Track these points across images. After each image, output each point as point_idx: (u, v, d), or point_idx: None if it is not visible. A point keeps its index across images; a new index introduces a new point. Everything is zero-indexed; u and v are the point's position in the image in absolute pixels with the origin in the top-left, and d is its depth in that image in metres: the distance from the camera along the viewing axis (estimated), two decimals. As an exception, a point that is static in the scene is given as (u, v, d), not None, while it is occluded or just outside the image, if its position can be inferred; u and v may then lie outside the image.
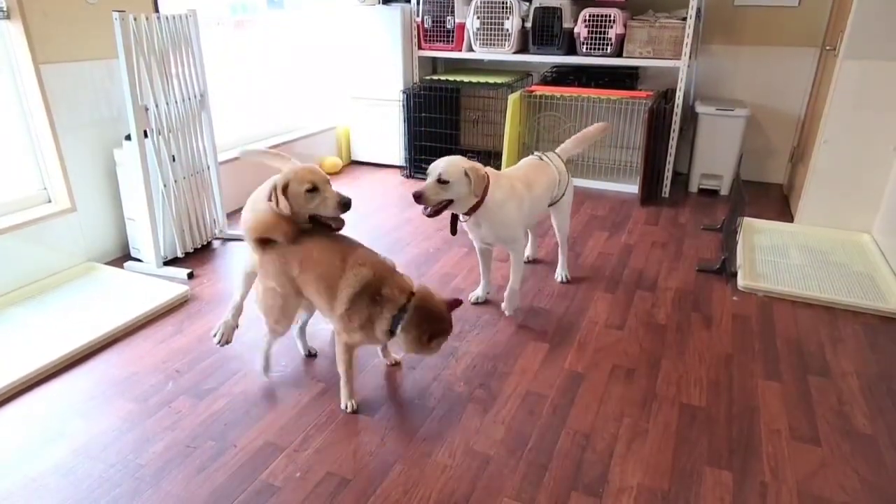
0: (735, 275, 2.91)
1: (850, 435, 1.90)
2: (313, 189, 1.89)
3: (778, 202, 4.07)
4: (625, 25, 3.99)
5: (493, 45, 4.38)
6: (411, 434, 1.90)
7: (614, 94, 4.15)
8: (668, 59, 3.93)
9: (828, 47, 3.68)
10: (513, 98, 4.25)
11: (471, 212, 2.33)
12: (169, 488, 1.68)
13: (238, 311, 2.30)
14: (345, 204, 1.91)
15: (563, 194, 2.75)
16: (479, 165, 2.28)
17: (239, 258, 3.18)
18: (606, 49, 4.06)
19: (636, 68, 4.37)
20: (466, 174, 2.20)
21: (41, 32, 2.66)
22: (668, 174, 4.15)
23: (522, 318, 2.59)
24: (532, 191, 2.51)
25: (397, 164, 4.81)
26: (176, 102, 2.98)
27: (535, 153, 2.74)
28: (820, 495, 1.67)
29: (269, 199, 1.93)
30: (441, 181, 2.18)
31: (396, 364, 2.27)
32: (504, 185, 2.38)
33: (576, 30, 4.09)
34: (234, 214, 3.78)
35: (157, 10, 3.18)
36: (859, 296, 2.73)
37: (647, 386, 2.13)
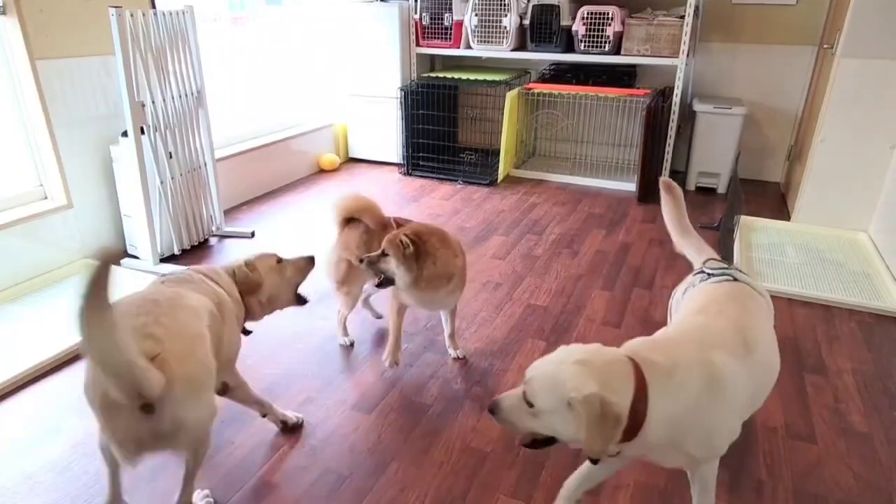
0: (732, 273, 2.91)
1: (845, 433, 1.91)
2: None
3: (775, 200, 4.08)
4: (623, 23, 3.99)
5: (491, 42, 4.38)
6: (408, 431, 1.90)
7: (612, 92, 4.15)
8: (665, 57, 3.93)
9: (825, 45, 3.68)
10: (511, 95, 4.24)
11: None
12: (165, 486, 1.68)
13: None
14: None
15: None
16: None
17: (234, 254, 3.17)
18: (604, 47, 4.05)
19: (634, 66, 4.37)
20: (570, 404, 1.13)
21: (37, 28, 2.65)
22: (666, 172, 4.15)
23: (520, 316, 2.59)
24: (753, 354, 1.31)
25: (395, 161, 4.80)
26: (173, 99, 2.97)
27: (727, 269, 1.55)
28: (816, 493, 1.67)
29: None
30: (528, 402, 1.20)
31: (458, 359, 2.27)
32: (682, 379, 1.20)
33: (574, 27, 4.09)
34: (231, 211, 3.78)
35: (153, 7, 3.16)
36: (856, 294, 2.74)
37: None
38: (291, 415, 1.93)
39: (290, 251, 3.27)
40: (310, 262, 1.95)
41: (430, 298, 2.02)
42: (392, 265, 1.92)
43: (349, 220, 2.26)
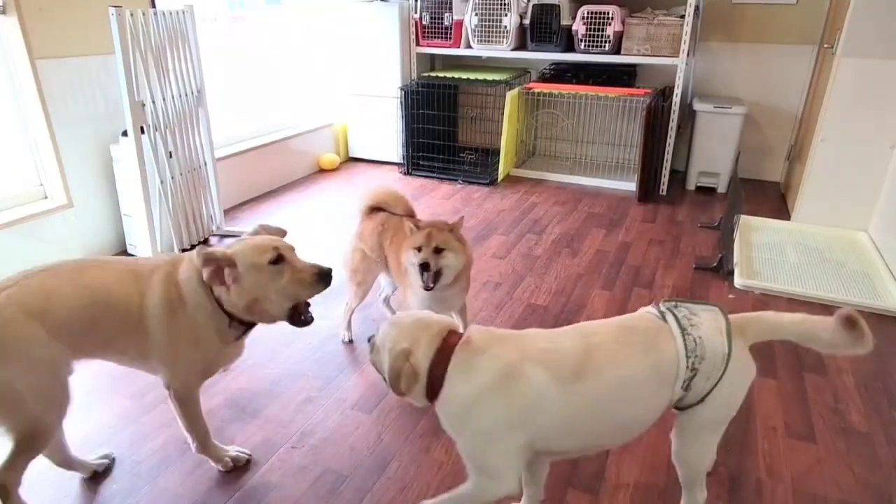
0: (732, 272, 2.92)
1: (845, 432, 1.91)
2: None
3: (775, 200, 4.08)
4: (623, 23, 3.99)
5: (492, 41, 4.37)
6: (408, 430, 1.91)
7: (612, 92, 4.14)
8: (666, 56, 3.93)
9: (826, 45, 3.68)
10: (511, 95, 4.24)
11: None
12: (166, 484, 1.68)
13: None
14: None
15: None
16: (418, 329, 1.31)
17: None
18: (605, 46, 4.05)
19: (634, 66, 4.37)
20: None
21: (37, 27, 2.65)
22: (666, 172, 4.15)
23: (520, 316, 2.59)
24: (580, 383, 1.25)
25: (395, 161, 4.80)
26: (173, 98, 2.97)
27: (671, 307, 1.34)
28: (815, 493, 1.68)
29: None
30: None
31: None
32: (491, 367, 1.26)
33: (574, 27, 4.09)
34: (231, 211, 3.78)
35: (153, 6, 3.16)
36: (855, 294, 2.74)
37: (643, 383, 2.14)
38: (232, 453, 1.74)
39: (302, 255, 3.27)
40: (319, 279, 1.52)
41: (447, 294, 2.02)
42: (450, 258, 1.91)
43: (371, 211, 2.27)
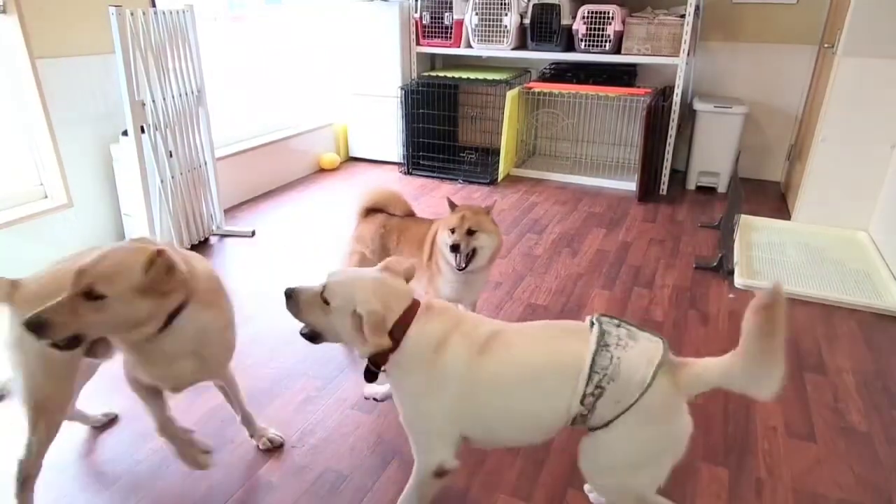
0: (732, 272, 2.92)
1: (845, 432, 1.91)
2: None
3: (775, 200, 4.08)
4: (623, 22, 3.99)
5: (492, 41, 4.37)
6: (408, 430, 1.91)
7: (612, 91, 4.14)
8: (666, 56, 3.92)
9: (826, 45, 3.68)
10: (511, 95, 4.24)
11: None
12: (166, 484, 1.68)
13: None
14: None
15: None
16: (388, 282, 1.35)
17: (234, 253, 3.18)
18: (605, 46, 4.05)
19: (634, 65, 4.37)
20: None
21: (37, 27, 2.65)
22: (666, 171, 4.15)
23: (520, 315, 2.59)
24: (483, 356, 1.29)
25: (395, 160, 4.80)
26: (173, 98, 2.97)
27: (604, 321, 1.31)
28: (815, 492, 1.68)
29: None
30: (324, 300, 1.35)
31: None
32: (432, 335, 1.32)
33: (574, 26, 4.09)
34: (231, 210, 3.78)
35: (153, 5, 3.16)
36: (855, 293, 2.74)
37: (643, 383, 2.14)
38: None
39: (292, 251, 3.27)
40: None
41: (476, 279, 2.09)
42: (483, 239, 1.95)
43: (368, 213, 2.28)
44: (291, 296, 1.37)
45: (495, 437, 1.37)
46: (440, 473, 1.35)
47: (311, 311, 1.35)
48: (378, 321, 1.25)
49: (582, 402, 1.20)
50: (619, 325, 1.28)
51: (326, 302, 1.32)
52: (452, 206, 2.04)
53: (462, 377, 1.28)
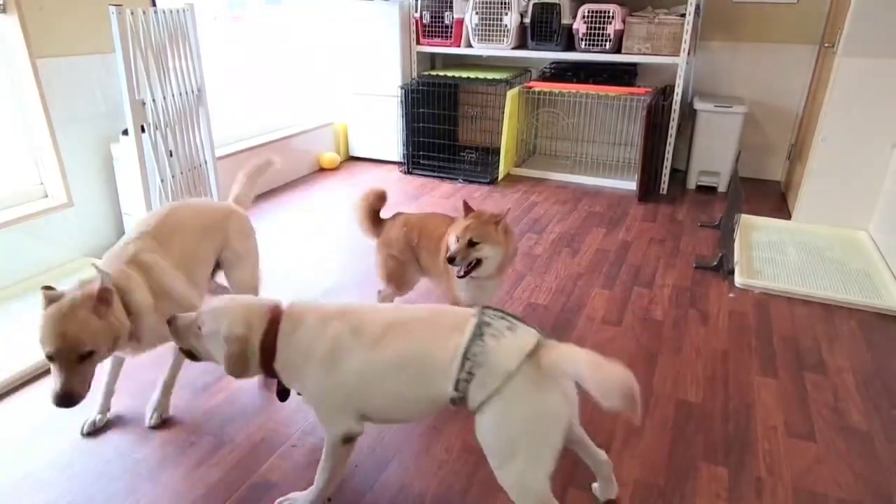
0: (732, 272, 2.92)
1: (845, 431, 1.91)
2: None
3: (775, 199, 4.08)
4: (623, 21, 3.99)
5: (492, 40, 4.37)
6: (408, 430, 1.91)
7: (613, 91, 4.14)
8: (666, 55, 3.92)
9: (826, 44, 3.68)
10: (511, 94, 4.24)
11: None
12: (166, 483, 1.68)
13: None
14: None
15: None
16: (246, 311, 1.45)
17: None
18: (605, 45, 4.05)
19: (635, 65, 4.37)
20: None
21: (37, 26, 2.65)
22: (666, 171, 4.15)
23: (520, 315, 2.59)
24: (372, 346, 1.39)
25: (395, 160, 4.80)
26: (173, 97, 2.97)
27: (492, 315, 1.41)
28: (815, 491, 1.68)
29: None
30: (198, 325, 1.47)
31: None
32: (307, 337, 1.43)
33: (574, 26, 4.09)
34: (231, 210, 3.78)
35: (153, 5, 3.16)
36: (856, 293, 2.74)
37: (643, 382, 2.14)
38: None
39: (291, 251, 3.27)
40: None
41: (488, 284, 2.09)
42: (485, 250, 1.94)
43: (375, 217, 2.31)
44: (171, 323, 1.50)
45: (387, 416, 1.49)
46: (348, 439, 1.49)
47: (187, 336, 1.49)
48: (237, 350, 1.40)
49: (456, 388, 1.31)
50: (501, 318, 1.37)
51: (199, 328, 1.46)
52: (467, 210, 2.01)
53: (351, 356, 1.39)
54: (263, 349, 1.42)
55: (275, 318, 1.43)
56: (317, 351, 1.39)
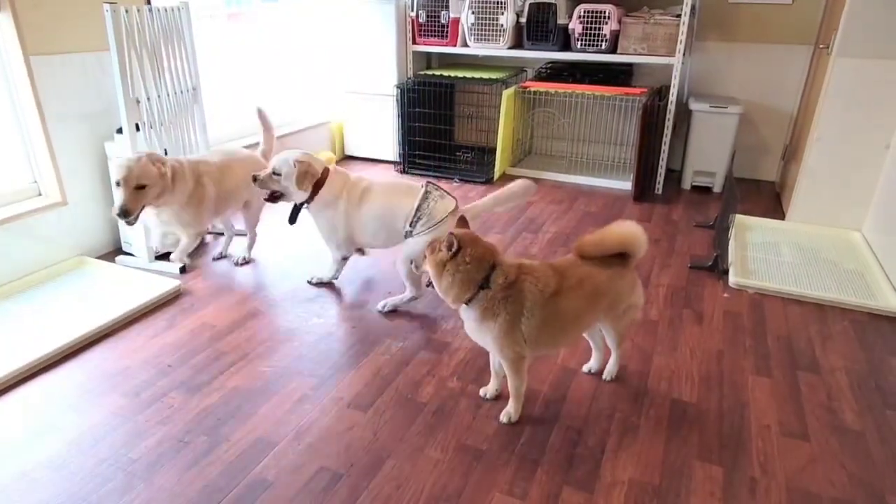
0: (727, 271, 2.93)
1: (838, 430, 1.92)
2: None
3: (770, 199, 4.10)
4: (619, 22, 3.99)
5: (488, 40, 4.37)
6: (404, 429, 1.91)
7: (608, 91, 4.15)
8: (662, 55, 3.93)
9: (821, 45, 3.70)
10: (507, 94, 4.24)
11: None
12: (161, 483, 1.68)
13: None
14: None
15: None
16: (312, 160, 2.53)
17: (230, 251, 3.17)
18: (601, 45, 4.06)
19: (630, 65, 4.38)
20: (293, 165, 2.49)
21: (31, 23, 2.64)
22: (662, 171, 4.16)
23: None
24: (363, 207, 2.55)
25: (391, 159, 4.79)
26: (168, 95, 2.96)
27: (430, 184, 2.49)
28: (808, 490, 1.69)
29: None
30: (275, 173, 2.52)
31: None
32: (335, 189, 2.56)
33: (570, 26, 4.09)
34: (226, 209, 3.76)
35: (148, 3, 3.15)
36: (849, 293, 2.75)
37: (638, 381, 2.14)
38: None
39: (287, 249, 3.26)
40: None
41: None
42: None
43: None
44: (255, 179, 2.59)
45: (370, 241, 2.62)
46: (345, 258, 2.75)
47: (268, 183, 2.55)
48: (304, 170, 2.48)
49: (411, 225, 2.41)
50: (437, 190, 2.46)
51: (276, 174, 2.52)
52: (461, 223, 1.91)
53: (348, 213, 2.56)
54: (316, 185, 2.52)
55: (325, 172, 2.54)
56: (335, 202, 2.55)
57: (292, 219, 2.63)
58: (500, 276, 1.74)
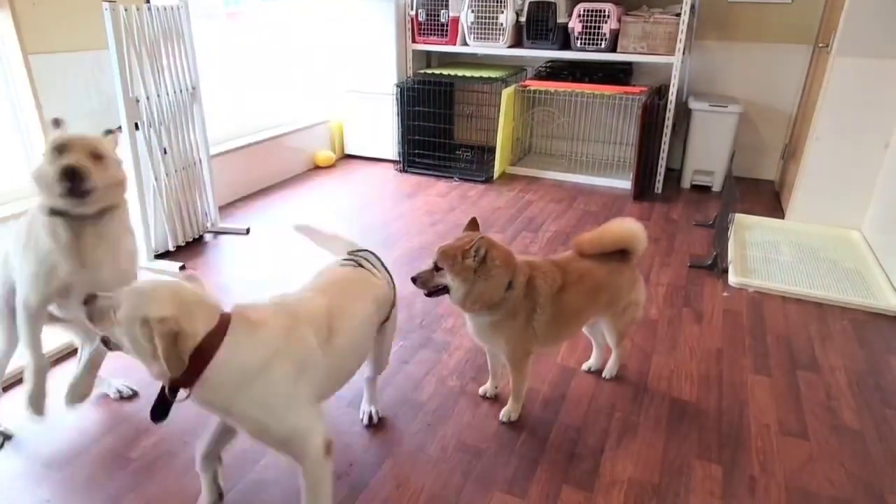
0: (726, 270, 2.93)
1: (837, 429, 1.93)
2: None
3: (769, 198, 4.10)
4: (619, 21, 3.99)
5: (488, 39, 4.37)
6: (404, 428, 1.91)
7: (608, 90, 4.15)
8: (661, 54, 3.93)
9: (821, 45, 3.70)
10: (507, 93, 4.24)
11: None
12: (162, 482, 1.68)
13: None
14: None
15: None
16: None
17: (229, 251, 3.17)
18: (600, 44, 4.06)
19: (630, 64, 4.38)
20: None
21: (30, 22, 2.63)
22: (661, 170, 4.16)
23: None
24: (333, 339, 1.46)
25: (391, 158, 4.79)
26: (167, 94, 2.96)
27: (356, 255, 1.74)
28: (808, 489, 1.69)
29: None
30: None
31: None
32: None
33: (570, 24, 4.09)
34: (226, 208, 3.76)
35: (147, 1, 3.14)
36: (848, 292, 2.76)
37: (637, 380, 2.15)
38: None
39: (287, 249, 3.26)
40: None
41: (479, 321, 1.96)
42: (448, 279, 1.70)
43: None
44: (87, 302, 1.25)
45: (338, 386, 1.58)
46: (328, 449, 1.39)
47: (105, 320, 1.23)
48: (170, 332, 1.15)
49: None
50: (363, 253, 1.73)
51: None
52: (471, 226, 1.82)
53: (321, 364, 1.39)
54: (200, 348, 1.20)
55: (225, 321, 1.26)
56: (289, 359, 1.31)
57: (162, 411, 1.33)
58: (521, 276, 1.74)
